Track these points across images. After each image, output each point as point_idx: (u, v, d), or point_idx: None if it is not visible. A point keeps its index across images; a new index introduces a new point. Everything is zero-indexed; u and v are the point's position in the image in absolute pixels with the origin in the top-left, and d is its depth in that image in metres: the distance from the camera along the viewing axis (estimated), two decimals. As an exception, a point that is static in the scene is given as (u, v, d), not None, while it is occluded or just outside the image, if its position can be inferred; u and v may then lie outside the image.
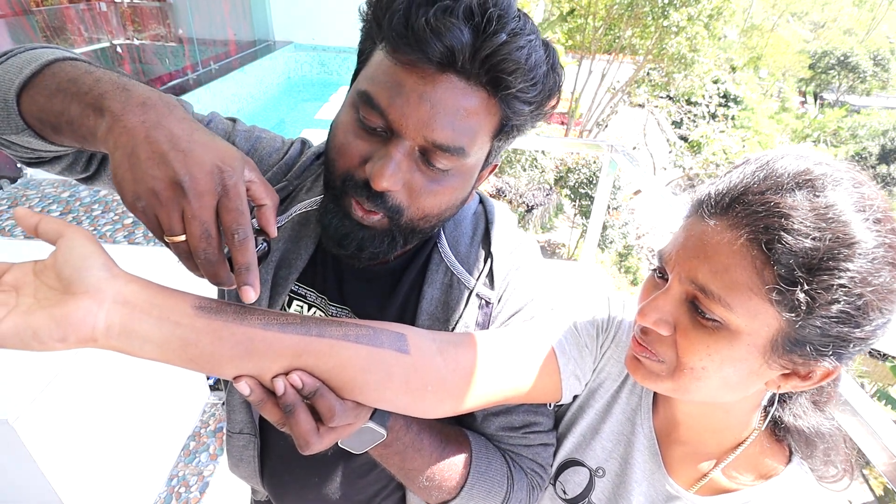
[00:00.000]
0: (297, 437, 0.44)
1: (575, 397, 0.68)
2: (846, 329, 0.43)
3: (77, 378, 1.33)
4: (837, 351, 0.45)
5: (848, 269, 0.41)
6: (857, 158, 20.60)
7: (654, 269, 0.55)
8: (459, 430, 0.64)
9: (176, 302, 0.41)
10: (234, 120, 0.70)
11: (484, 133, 0.52)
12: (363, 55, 0.55)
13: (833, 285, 0.41)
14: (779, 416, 0.56)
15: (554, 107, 0.55)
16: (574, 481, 0.68)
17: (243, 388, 0.42)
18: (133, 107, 0.42)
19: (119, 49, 3.85)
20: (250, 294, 0.42)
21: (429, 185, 0.52)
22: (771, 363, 0.47)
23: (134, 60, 4.05)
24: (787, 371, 0.48)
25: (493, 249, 0.64)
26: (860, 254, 0.41)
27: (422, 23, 0.45)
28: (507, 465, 0.64)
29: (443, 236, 0.64)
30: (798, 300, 0.42)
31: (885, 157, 20.13)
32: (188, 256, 0.41)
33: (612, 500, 0.66)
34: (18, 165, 2.34)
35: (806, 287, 0.41)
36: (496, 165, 0.62)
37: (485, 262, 0.64)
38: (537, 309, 0.65)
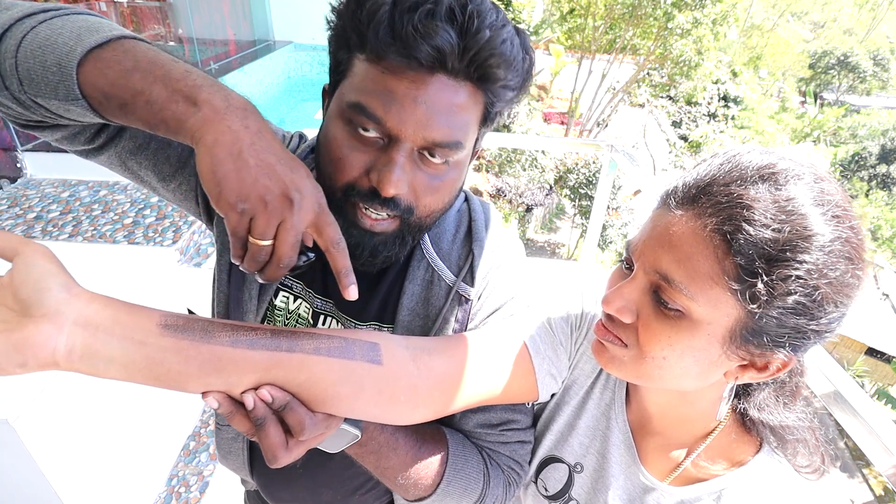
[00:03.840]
0: (265, 450, 0.44)
1: (553, 395, 0.69)
2: (802, 321, 0.44)
3: (77, 378, 1.32)
4: (793, 342, 0.46)
5: (805, 261, 0.42)
6: (856, 158, 20.63)
7: (622, 260, 0.55)
8: (437, 428, 0.65)
9: (140, 320, 0.40)
10: None
11: (473, 121, 0.54)
12: (340, 65, 0.54)
13: (790, 276, 0.42)
14: (744, 409, 0.57)
15: (526, 93, 0.58)
16: (554, 478, 0.69)
17: (211, 402, 0.43)
18: (235, 109, 0.44)
19: (119, 49, 3.84)
20: (354, 291, 0.47)
21: (431, 182, 0.54)
22: (729, 354, 0.48)
23: (134, 60, 4.04)
24: (744, 362, 0.49)
25: (474, 247, 0.65)
26: (817, 246, 0.42)
27: (409, 29, 0.46)
28: (483, 462, 0.64)
29: (426, 236, 0.65)
30: (756, 290, 0.43)
31: (885, 156, 20.13)
32: (259, 259, 0.44)
33: (591, 494, 0.67)
34: (18, 165, 2.34)
35: (764, 278, 0.42)
36: (478, 152, 0.64)
37: (466, 259, 0.65)
38: (517, 307, 0.66)
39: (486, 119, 0.56)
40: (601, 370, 0.67)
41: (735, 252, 0.43)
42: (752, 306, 0.44)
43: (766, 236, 0.42)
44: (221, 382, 0.42)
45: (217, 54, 4.54)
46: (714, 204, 0.44)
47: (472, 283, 0.64)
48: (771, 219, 0.42)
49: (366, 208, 0.54)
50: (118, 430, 1.53)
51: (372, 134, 0.51)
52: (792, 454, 0.56)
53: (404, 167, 0.51)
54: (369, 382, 0.48)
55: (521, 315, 0.65)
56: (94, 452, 1.42)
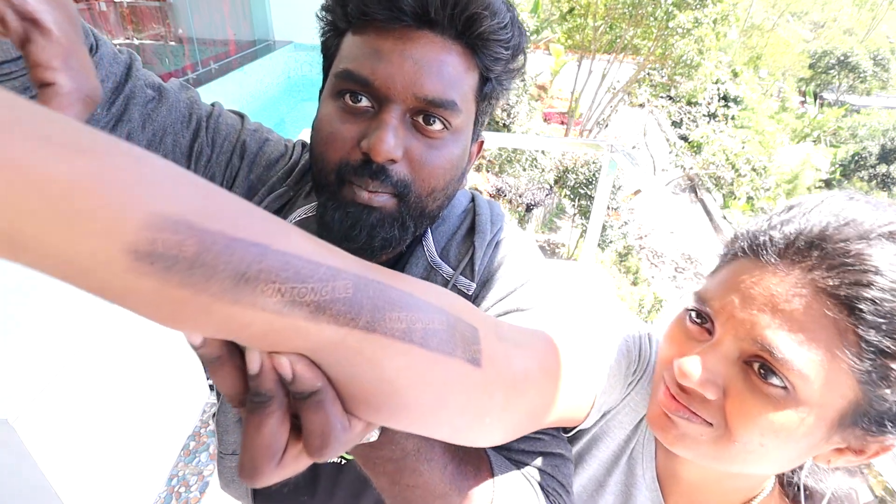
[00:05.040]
0: (245, 451, 0.27)
1: (575, 437, 0.61)
2: None
3: (77, 378, 1.33)
4: None
5: None
6: (856, 158, 20.64)
7: (690, 311, 0.46)
8: None
9: (88, 239, 0.17)
10: (242, 116, 0.68)
11: (468, 88, 0.52)
12: (330, 51, 0.54)
13: None
14: (798, 480, 0.52)
15: (523, 65, 0.55)
16: None
17: (193, 339, 0.24)
18: None
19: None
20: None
21: (429, 153, 0.51)
22: (831, 437, 0.41)
23: (134, 60, 4.04)
24: (842, 446, 0.42)
25: (475, 239, 0.62)
26: None
27: None
28: (528, 483, 0.48)
29: (429, 233, 0.62)
30: (889, 371, 0.36)
31: (885, 156, 20.14)
32: None
33: None
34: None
35: None
36: (483, 143, 0.62)
37: (467, 252, 0.62)
38: (527, 297, 0.58)
39: (484, 92, 0.54)
40: (639, 423, 0.58)
41: (859, 323, 0.36)
42: (884, 390, 0.37)
43: None
44: (233, 339, 0.24)
45: (217, 54, 4.54)
46: (835, 265, 0.38)
47: (471, 278, 0.59)
48: None
49: (360, 186, 0.50)
50: (118, 430, 1.53)
51: (362, 103, 0.49)
52: None
53: (397, 130, 0.48)
54: (458, 395, 0.31)
55: (595, 335, 0.55)
56: (94, 452, 1.42)
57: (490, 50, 0.51)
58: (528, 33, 0.54)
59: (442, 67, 0.48)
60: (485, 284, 0.60)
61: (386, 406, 0.28)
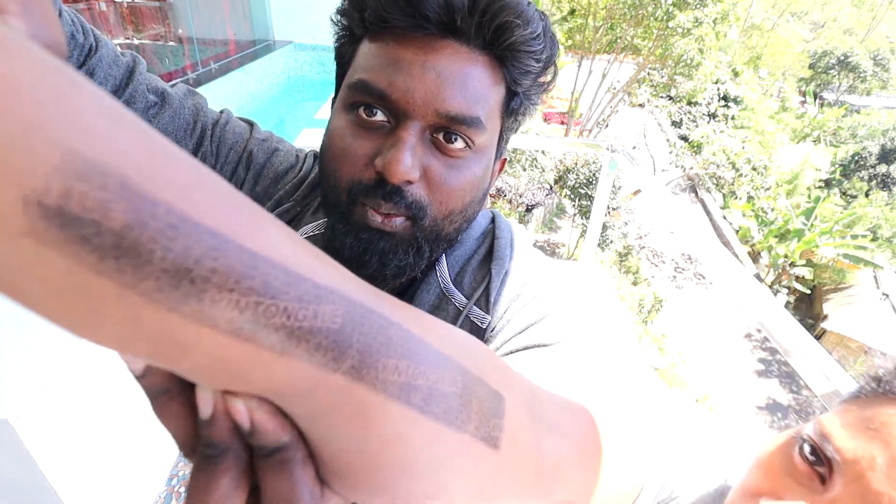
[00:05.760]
0: None
1: None
2: None
3: (77, 378, 1.33)
4: None
5: None
6: (856, 158, 20.67)
7: (803, 442, 0.36)
8: None
9: None
10: (251, 124, 0.65)
11: (494, 104, 0.47)
12: (345, 59, 0.50)
13: None
14: None
15: (553, 78, 0.51)
16: None
17: (132, 364, 0.19)
18: None
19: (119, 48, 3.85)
20: None
21: (448, 173, 0.46)
22: None
23: (134, 60, 4.05)
24: None
25: (493, 266, 0.56)
26: None
27: None
28: None
29: (443, 257, 0.58)
30: None
31: (885, 156, 20.16)
32: None
33: None
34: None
35: None
36: (505, 160, 0.58)
37: (482, 280, 0.56)
38: (549, 331, 0.52)
39: (511, 108, 0.50)
40: None
41: None
42: None
43: None
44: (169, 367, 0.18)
45: (217, 54, 4.54)
46: None
47: (486, 309, 0.54)
48: None
49: (373, 208, 0.46)
50: (118, 430, 1.53)
51: (378, 117, 0.45)
52: None
53: (415, 148, 0.44)
54: (461, 481, 0.22)
55: (649, 425, 0.48)
56: (95, 453, 1.42)
57: (520, 62, 0.46)
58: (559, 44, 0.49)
59: (466, 81, 0.44)
60: (501, 316, 0.54)
61: (365, 483, 0.21)
